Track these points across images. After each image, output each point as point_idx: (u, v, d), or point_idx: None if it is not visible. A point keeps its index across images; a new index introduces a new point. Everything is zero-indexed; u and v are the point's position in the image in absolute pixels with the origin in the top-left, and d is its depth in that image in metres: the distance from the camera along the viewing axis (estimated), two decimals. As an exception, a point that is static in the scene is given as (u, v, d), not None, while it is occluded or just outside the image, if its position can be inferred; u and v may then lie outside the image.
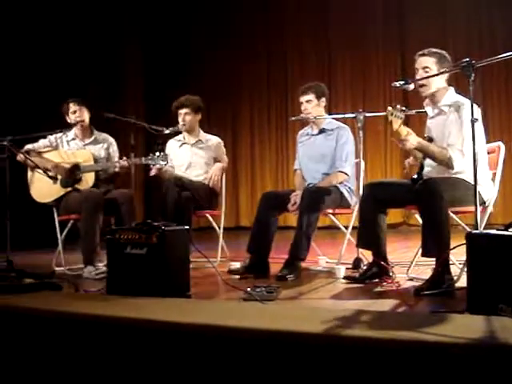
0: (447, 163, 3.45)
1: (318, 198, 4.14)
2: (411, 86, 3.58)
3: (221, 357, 2.19)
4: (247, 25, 10.07)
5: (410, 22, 9.17)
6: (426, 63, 3.60)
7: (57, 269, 4.53)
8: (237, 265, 4.25)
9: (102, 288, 3.35)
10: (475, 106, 3.02)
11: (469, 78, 2.95)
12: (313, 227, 4.08)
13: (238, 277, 4.04)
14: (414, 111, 4.05)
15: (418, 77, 3.62)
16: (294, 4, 9.81)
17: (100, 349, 2.46)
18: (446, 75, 3.58)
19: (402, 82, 3.55)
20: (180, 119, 5.07)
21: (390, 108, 3.36)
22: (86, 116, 4.86)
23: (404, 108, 3.39)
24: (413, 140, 3.42)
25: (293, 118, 4.76)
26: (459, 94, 3.60)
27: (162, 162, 4.58)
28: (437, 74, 3.52)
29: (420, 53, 3.65)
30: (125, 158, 4.64)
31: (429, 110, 3.75)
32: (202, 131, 5.23)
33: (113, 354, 2.43)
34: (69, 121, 4.83)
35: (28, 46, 7.69)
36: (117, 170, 4.72)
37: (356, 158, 4.56)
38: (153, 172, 4.80)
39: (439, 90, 3.62)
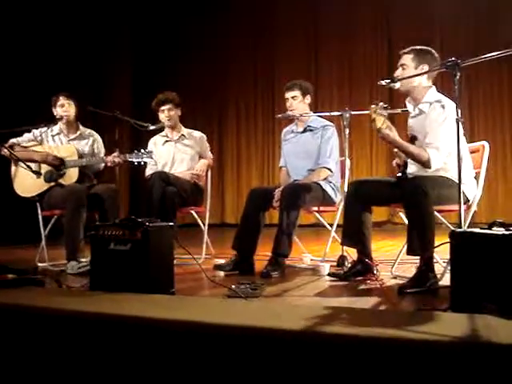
0: (424, 163, 3.45)
1: (298, 195, 4.13)
2: (397, 85, 3.59)
3: (204, 353, 2.18)
4: (234, 24, 10.06)
5: (398, 20, 9.22)
6: (404, 60, 3.63)
7: (40, 264, 4.50)
8: (221, 262, 4.25)
9: (86, 284, 3.33)
10: (456, 105, 3.03)
11: (454, 77, 2.96)
12: (293, 224, 4.08)
13: (223, 273, 4.04)
14: (399, 110, 4.05)
15: (395, 74, 3.64)
16: (282, 3, 9.80)
17: (82, 345, 2.44)
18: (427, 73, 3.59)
19: (387, 81, 3.56)
20: (163, 115, 5.06)
21: (372, 106, 3.36)
22: (73, 111, 4.82)
23: (386, 105, 3.38)
24: (393, 138, 3.41)
25: (279, 116, 4.74)
26: (442, 93, 3.61)
27: (146, 159, 4.56)
28: (418, 75, 3.53)
29: (401, 51, 3.68)
30: (113, 154, 4.60)
31: (410, 107, 3.75)
32: (183, 127, 5.22)
33: (95, 351, 2.41)
34: (55, 113, 4.80)
35: (14, 41, 7.63)
36: (109, 164, 4.65)
37: (342, 156, 4.57)
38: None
39: (418, 88, 3.62)
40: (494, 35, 8.06)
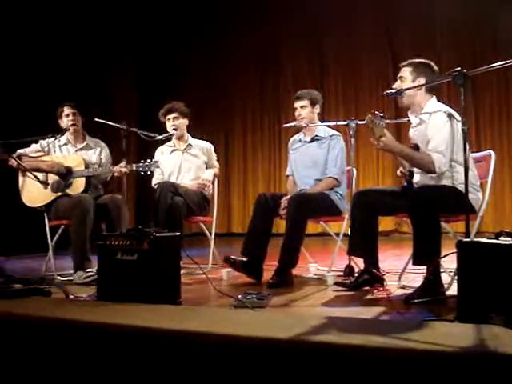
0: (429, 168, 3.44)
1: (304, 204, 4.13)
2: (403, 95, 3.60)
3: (210, 364, 2.18)
4: (240, 32, 10.08)
5: (402, 30, 9.22)
6: (402, 73, 3.68)
7: (47, 274, 4.51)
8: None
9: (93, 294, 3.34)
10: (457, 115, 3.03)
11: (460, 88, 2.96)
12: (300, 234, 4.08)
13: (230, 270, 4.13)
14: (405, 119, 4.06)
15: (394, 86, 3.67)
16: (287, 14, 9.82)
17: (89, 355, 2.44)
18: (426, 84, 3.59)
19: (393, 91, 3.58)
20: (169, 124, 5.10)
21: (369, 115, 3.36)
22: (79, 121, 4.86)
23: (383, 115, 3.38)
24: (393, 145, 3.41)
25: (286, 125, 4.75)
26: (448, 104, 3.61)
27: (152, 169, 4.58)
28: (414, 87, 3.55)
29: (400, 64, 3.72)
30: (120, 164, 4.62)
31: (412, 118, 3.76)
32: (190, 136, 5.24)
33: (102, 361, 2.41)
34: (61, 124, 4.84)
35: (21, 52, 7.68)
36: (116, 174, 4.66)
37: (348, 166, 4.57)
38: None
39: (418, 100, 3.63)
40: (498, 47, 8.05)
